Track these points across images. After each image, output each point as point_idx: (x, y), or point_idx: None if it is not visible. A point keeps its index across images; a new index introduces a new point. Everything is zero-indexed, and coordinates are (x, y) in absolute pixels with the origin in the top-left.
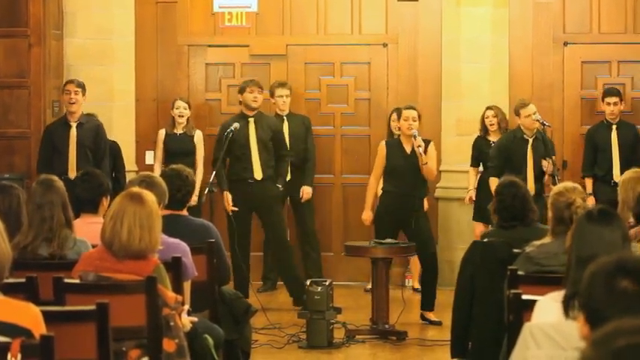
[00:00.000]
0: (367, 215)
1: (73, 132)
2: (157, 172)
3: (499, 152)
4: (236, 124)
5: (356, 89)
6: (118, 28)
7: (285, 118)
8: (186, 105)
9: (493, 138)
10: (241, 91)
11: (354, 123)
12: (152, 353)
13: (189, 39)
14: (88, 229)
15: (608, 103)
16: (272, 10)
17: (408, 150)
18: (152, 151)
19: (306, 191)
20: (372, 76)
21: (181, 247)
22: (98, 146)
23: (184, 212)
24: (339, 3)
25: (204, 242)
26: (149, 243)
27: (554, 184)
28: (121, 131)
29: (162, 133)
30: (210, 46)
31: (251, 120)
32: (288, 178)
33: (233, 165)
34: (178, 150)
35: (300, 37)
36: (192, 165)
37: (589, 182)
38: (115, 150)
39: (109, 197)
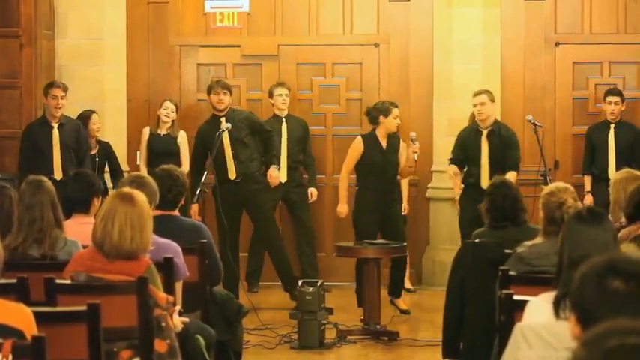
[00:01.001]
0: (343, 209)
1: (56, 133)
2: (142, 171)
3: (456, 148)
4: (228, 125)
5: (347, 89)
6: (109, 29)
7: (283, 119)
8: (174, 107)
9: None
10: (207, 92)
11: (346, 123)
12: (143, 354)
13: (180, 39)
14: (79, 230)
15: (609, 102)
16: (263, 11)
17: (385, 145)
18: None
19: (313, 193)
20: (364, 76)
21: (173, 248)
22: (80, 146)
23: (176, 213)
24: (331, 3)
25: (195, 243)
26: (140, 243)
27: (546, 184)
28: (113, 131)
29: (146, 131)
30: (201, 46)
31: (222, 120)
32: (284, 180)
33: (215, 166)
34: (162, 151)
35: (291, 37)
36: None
37: (587, 180)
38: (107, 151)
39: (100, 198)
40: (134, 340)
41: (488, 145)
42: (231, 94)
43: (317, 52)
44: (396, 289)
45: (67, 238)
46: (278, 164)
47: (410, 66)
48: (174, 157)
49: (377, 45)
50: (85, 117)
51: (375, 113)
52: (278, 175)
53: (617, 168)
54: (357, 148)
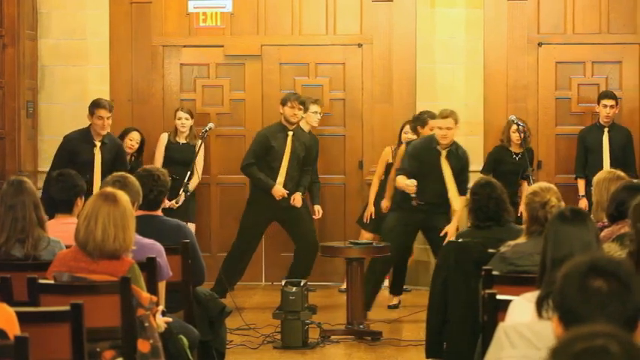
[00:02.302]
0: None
1: (98, 152)
2: None
3: (410, 159)
4: (211, 124)
5: (331, 89)
6: (92, 29)
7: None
8: (187, 115)
9: (515, 149)
10: (283, 102)
11: (329, 123)
12: (126, 354)
13: (163, 39)
14: (62, 230)
15: (605, 106)
16: (247, 11)
17: None
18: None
19: (319, 210)
20: (347, 76)
21: (156, 248)
22: (117, 166)
23: (159, 212)
24: (314, 3)
25: (178, 243)
26: (123, 242)
27: (529, 184)
28: None
29: (164, 137)
30: (184, 46)
31: (290, 134)
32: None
33: (263, 172)
34: (179, 159)
35: (274, 37)
36: (190, 173)
37: (581, 184)
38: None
39: (83, 198)
40: (117, 341)
41: (450, 165)
42: (305, 111)
43: (300, 53)
44: (397, 288)
45: (49, 238)
46: (302, 192)
47: (393, 66)
48: (189, 165)
49: (360, 45)
50: (126, 132)
51: (415, 124)
52: (301, 202)
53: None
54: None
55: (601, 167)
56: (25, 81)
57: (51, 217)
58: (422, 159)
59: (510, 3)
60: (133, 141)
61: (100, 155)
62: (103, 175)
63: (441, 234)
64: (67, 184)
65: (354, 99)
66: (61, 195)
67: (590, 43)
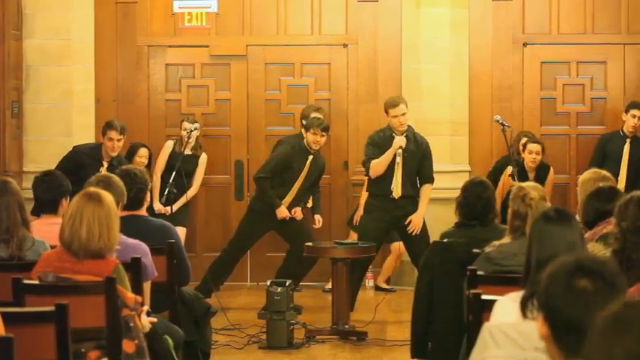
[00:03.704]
0: None
1: (104, 171)
2: (156, 181)
3: (374, 147)
4: (196, 124)
5: (316, 90)
6: (77, 29)
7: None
8: (192, 127)
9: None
10: (306, 128)
11: None
12: (111, 354)
13: (148, 39)
14: (47, 230)
15: (634, 116)
16: (232, 11)
17: None
18: None
19: (319, 220)
20: (332, 76)
21: (141, 248)
22: None
23: (143, 212)
24: (299, 3)
25: (164, 243)
26: (108, 241)
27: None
28: (81, 132)
29: (169, 145)
30: (170, 46)
31: (310, 158)
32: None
33: (273, 186)
34: (183, 170)
35: (260, 37)
36: (189, 184)
37: None
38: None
39: (68, 198)
40: (102, 341)
41: (403, 152)
42: (327, 135)
43: (285, 53)
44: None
45: (34, 239)
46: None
47: (378, 66)
48: (190, 177)
49: (345, 45)
50: (134, 149)
51: None
52: (301, 215)
53: (627, 181)
54: None
55: (616, 176)
56: (10, 81)
57: (36, 217)
58: (382, 147)
59: (495, 3)
60: (142, 158)
61: None
62: None
63: (406, 222)
64: (52, 184)
65: (340, 99)
66: (46, 195)
67: (575, 44)
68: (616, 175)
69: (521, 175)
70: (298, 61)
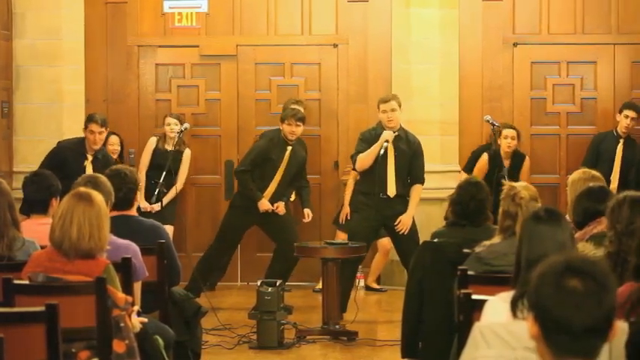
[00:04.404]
0: None
1: (89, 165)
2: (141, 178)
3: (364, 142)
4: (186, 125)
5: (306, 90)
6: (67, 29)
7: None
8: (176, 121)
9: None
10: (281, 119)
11: (305, 123)
12: (102, 354)
13: (139, 39)
14: (37, 230)
15: (627, 116)
16: (222, 11)
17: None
18: None
19: (309, 214)
20: (323, 76)
21: (132, 249)
22: None
23: (134, 212)
24: (289, 3)
25: (154, 243)
26: (98, 241)
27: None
28: (71, 132)
29: (153, 141)
30: (160, 46)
31: (289, 149)
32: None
33: (254, 179)
34: (164, 166)
35: (250, 37)
36: (174, 181)
37: None
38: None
39: (58, 198)
40: (92, 341)
41: (398, 150)
42: (304, 124)
43: (275, 53)
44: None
45: (24, 239)
46: (285, 202)
47: (368, 66)
48: (176, 174)
49: (335, 45)
50: (105, 138)
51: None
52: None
53: (619, 182)
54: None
55: (609, 175)
56: (0, 81)
57: (26, 217)
58: (372, 144)
59: (485, 3)
60: (114, 145)
61: (90, 169)
62: None
63: (396, 223)
64: (42, 184)
65: (330, 99)
66: (36, 195)
67: (565, 44)
68: (609, 175)
69: (497, 162)
70: (288, 61)
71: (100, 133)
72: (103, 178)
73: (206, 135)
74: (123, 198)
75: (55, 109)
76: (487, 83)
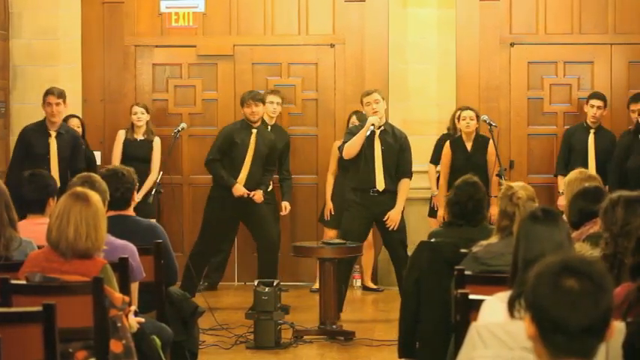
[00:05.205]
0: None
1: (53, 142)
2: None
3: (350, 135)
4: (183, 125)
5: (303, 90)
6: (64, 29)
7: (269, 127)
8: (143, 110)
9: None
10: (241, 104)
11: (302, 123)
12: (99, 354)
13: (135, 39)
14: (34, 230)
15: (592, 106)
16: (219, 11)
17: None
18: (99, 152)
19: (287, 207)
20: (320, 76)
21: (129, 249)
22: (74, 157)
23: (131, 212)
24: (286, 3)
25: (151, 243)
26: (95, 241)
27: (501, 184)
28: None
29: (122, 134)
30: (157, 46)
31: (254, 131)
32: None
33: (225, 167)
34: (137, 156)
35: (247, 37)
36: (148, 171)
37: (561, 181)
38: (90, 157)
39: (55, 198)
40: (90, 341)
41: (385, 143)
42: (264, 104)
43: (273, 53)
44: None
45: (21, 239)
46: (263, 191)
47: (365, 66)
48: (148, 162)
49: (332, 45)
50: (65, 120)
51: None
52: (262, 199)
53: (597, 173)
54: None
55: (586, 167)
56: None
57: (23, 217)
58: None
59: (482, 3)
60: (74, 127)
61: (55, 146)
62: (62, 168)
63: (384, 219)
64: (39, 184)
65: (327, 99)
66: (33, 195)
67: (562, 43)
68: (585, 167)
69: (460, 147)
70: (285, 61)
71: (57, 104)
72: (97, 177)
73: (203, 135)
74: (120, 198)
75: None
76: (484, 83)
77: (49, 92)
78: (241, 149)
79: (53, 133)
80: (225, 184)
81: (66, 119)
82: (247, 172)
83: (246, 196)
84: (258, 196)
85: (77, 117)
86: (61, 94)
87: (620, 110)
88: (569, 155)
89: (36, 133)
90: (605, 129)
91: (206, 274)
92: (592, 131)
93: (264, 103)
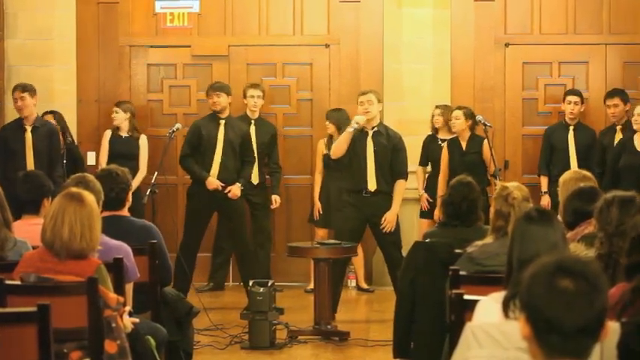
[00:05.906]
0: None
1: (29, 136)
2: None
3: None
4: (178, 125)
5: (298, 90)
6: (59, 29)
7: (253, 121)
8: (118, 109)
9: (442, 136)
10: (206, 95)
11: (297, 123)
12: (93, 355)
13: (130, 39)
14: (29, 230)
15: (569, 102)
16: (214, 11)
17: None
18: (94, 152)
19: (277, 200)
20: (314, 76)
21: (124, 250)
22: (51, 150)
23: (125, 212)
24: (281, 4)
25: (146, 243)
26: (90, 241)
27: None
28: None
29: (107, 134)
30: (151, 46)
31: (222, 122)
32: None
33: (199, 164)
34: (123, 153)
35: (241, 37)
36: (135, 168)
37: (544, 181)
38: (75, 154)
39: (50, 198)
40: (84, 341)
41: (377, 144)
42: (227, 95)
43: (267, 53)
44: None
45: (16, 239)
46: (243, 185)
47: (360, 66)
48: (135, 159)
49: (327, 45)
50: (42, 116)
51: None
52: (239, 194)
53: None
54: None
55: (567, 165)
56: None
57: (17, 218)
58: (352, 140)
59: (477, 4)
60: None
61: (30, 140)
62: (39, 161)
63: (381, 223)
64: (33, 184)
65: (322, 99)
66: (28, 195)
67: (556, 44)
68: (567, 164)
69: (456, 147)
70: (280, 61)
71: (22, 98)
72: (91, 177)
73: None
74: (115, 198)
75: (46, 109)
76: (479, 83)
77: (14, 88)
78: (209, 141)
79: (29, 128)
80: (198, 179)
81: (43, 115)
82: (219, 163)
83: (220, 188)
84: (233, 192)
85: (54, 113)
86: (26, 88)
87: None
88: (551, 154)
89: (12, 129)
90: (584, 125)
91: (210, 275)
92: (571, 128)
93: (228, 93)
